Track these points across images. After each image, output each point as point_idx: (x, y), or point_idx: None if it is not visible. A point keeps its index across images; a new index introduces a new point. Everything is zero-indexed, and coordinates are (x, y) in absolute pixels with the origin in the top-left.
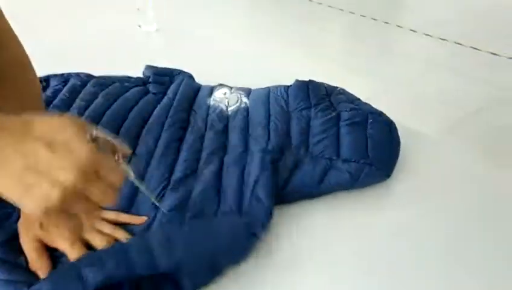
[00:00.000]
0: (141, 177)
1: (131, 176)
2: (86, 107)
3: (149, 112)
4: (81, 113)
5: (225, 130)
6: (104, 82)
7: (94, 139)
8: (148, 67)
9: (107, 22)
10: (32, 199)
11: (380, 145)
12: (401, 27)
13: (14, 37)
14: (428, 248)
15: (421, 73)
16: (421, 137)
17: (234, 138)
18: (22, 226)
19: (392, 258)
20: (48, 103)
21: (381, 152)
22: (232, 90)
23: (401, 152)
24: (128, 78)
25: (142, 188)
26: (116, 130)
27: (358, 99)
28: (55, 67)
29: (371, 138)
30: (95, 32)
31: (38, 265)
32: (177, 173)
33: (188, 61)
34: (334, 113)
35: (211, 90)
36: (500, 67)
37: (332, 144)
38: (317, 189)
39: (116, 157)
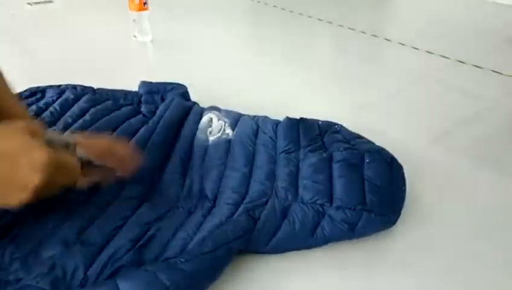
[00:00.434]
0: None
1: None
2: (72, 124)
3: (133, 134)
4: (66, 128)
5: (201, 165)
6: (98, 98)
7: (49, 141)
8: (142, 84)
9: (103, 32)
10: (7, 202)
11: (378, 187)
12: (390, 40)
13: None
14: (425, 258)
15: (409, 85)
16: (410, 147)
17: (208, 184)
18: None
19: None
20: (40, 114)
21: (381, 195)
22: (219, 117)
23: None
24: (124, 95)
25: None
26: None
27: (358, 137)
28: (50, 77)
29: (368, 180)
30: (91, 43)
31: None
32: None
33: (183, 71)
34: (325, 154)
35: (201, 114)
36: (484, 79)
37: (325, 188)
38: (307, 242)
39: (71, 148)
